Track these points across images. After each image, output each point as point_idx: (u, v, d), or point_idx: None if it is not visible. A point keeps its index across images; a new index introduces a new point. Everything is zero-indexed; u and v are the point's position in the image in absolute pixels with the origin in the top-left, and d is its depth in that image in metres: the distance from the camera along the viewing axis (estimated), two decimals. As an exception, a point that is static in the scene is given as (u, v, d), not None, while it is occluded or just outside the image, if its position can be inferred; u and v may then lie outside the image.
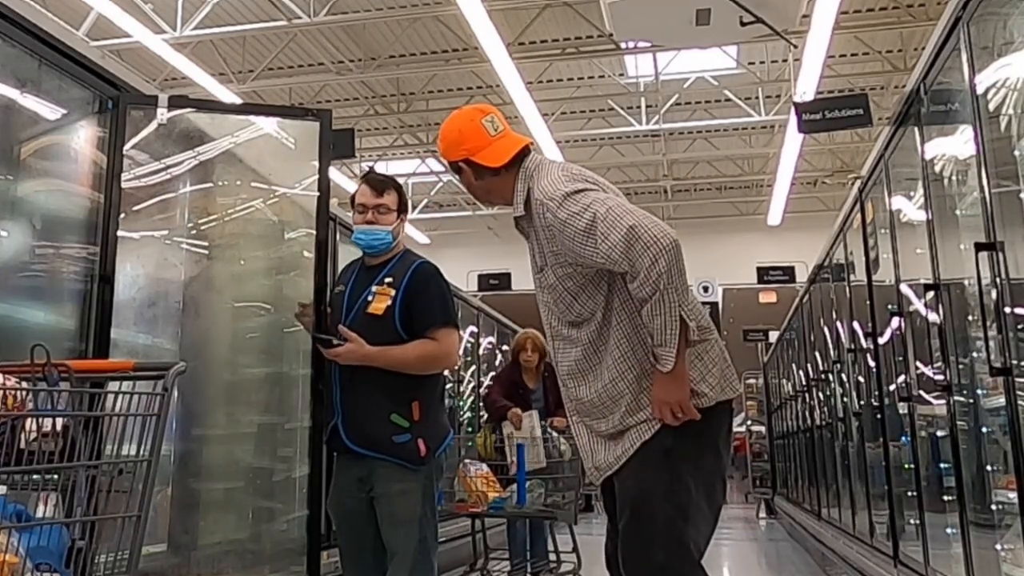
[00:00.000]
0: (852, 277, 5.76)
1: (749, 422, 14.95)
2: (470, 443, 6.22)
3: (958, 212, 3.43)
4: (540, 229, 2.27)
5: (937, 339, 3.57)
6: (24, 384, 1.63)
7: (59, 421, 1.64)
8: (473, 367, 8.84)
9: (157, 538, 3.40)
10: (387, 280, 2.90)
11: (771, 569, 8.12)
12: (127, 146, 3.13)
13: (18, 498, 1.62)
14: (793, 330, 9.69)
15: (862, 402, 5.52)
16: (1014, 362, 2.65)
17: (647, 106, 12.63)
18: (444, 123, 2.44)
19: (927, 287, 3.53)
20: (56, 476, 1.66)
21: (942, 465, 3.82)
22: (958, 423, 3.42)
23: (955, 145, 3.42)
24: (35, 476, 1.64)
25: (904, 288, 4.18)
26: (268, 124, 3.77)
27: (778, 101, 11.81)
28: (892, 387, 4.68)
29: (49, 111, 2.98)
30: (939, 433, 3.88)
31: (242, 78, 11.14)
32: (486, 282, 13.70)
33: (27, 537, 1.53)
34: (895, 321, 4.34)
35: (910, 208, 4.17)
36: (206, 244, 3.84)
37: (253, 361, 3.87)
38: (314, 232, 3.29)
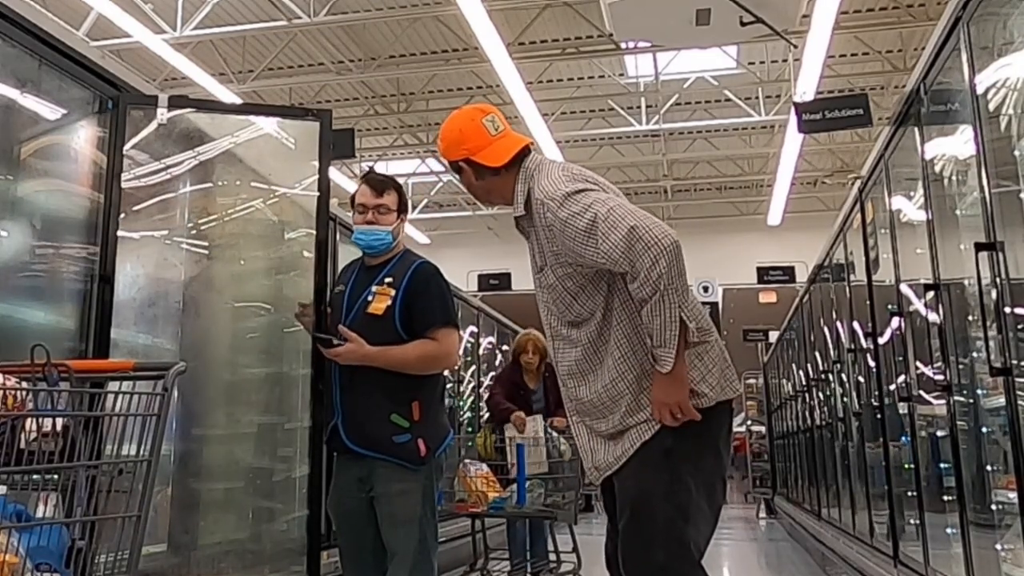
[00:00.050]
0: (852, 277, 5.76)
1: (749, 422, 14.94)
2: (470, 443, 6.22)
3: (958, 212, 3.43)
4: (540, 229, 2.27)
5: (937, 339, 3.57)
6: (24, 384, 1.63)
7: (59, 421, 1.64)
8: (473, 367, 8.84)
9: (157, 538, 3.40)
10: (387, 280, 2.91)
11: (771, 569, 8.12)
12: (127, 146, 3.13)
13: (18, 498, 1.62)
14: (793, 330, 9.69)
15: (862, 402, 5.52)
16: (1014, 362, 2.65)
17: (647, 106, 12.63)
18: (444, 123, 2.44)
19: (927, 287, 3.52)
20: (56, 476, 1.66)
21: (942, 465, 3.82)
22: (958, 423, 3.42)
23: (955, 145, 3.42)
24: (35, 476, 1.64)
25: (904, 288, 4.18)
26: (268, 124, 3.77)
27: (778, 101, 11.81)
28: (892, 387, 4.68)
29: (49, 111, 2.98)
30: (939, 433, 3.88)
31: (242, 78, 11.14)
32: (486, 282, 13.70)
33: (27, 537, 1.53)
34: (895, 321, 4.34)
35: (910, 208, 4.17)
36: (206, 244, 3.84)
37: (253, 361, 3.87)
38: (314, 232, 3.29)
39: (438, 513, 2.90)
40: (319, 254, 3.25)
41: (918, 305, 3.91)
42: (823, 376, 7.29)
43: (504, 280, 13.55)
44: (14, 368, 1.68)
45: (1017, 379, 2.68)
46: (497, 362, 9.54)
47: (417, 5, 9.85)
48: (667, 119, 12.73)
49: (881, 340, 4.78)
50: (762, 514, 12.99)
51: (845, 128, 7.36)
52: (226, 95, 10.16)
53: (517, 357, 5.60)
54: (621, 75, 11.85)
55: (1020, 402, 2.68)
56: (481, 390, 8.73)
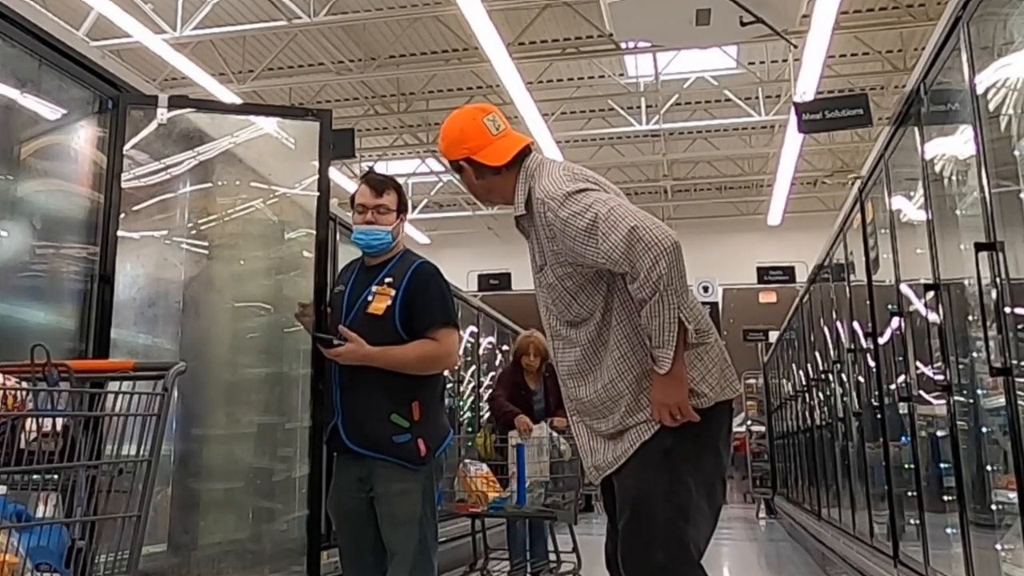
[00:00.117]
0: (852, 277, 5.76)
1: (749, 422, 14.94)
2: (470, 443, 6.22)
3: (958, 212, 3.43)
4: (541, 228, 2.27)
5: (937, 339, 3.57)
6: (24, 384, 1.63)
7: (59, 421, 1.64)
8: (473, 367, 8.84)
9: (157, 538, 3.40)
10: (387, 280, 2.91)
11: (771, 569, 8.12)
12: (127, 146, 3.13)
13: (18, 498, 1.62)
14: (793, 330, 9.69)
15: (862, 402, 5.52)
16: (1014, 362, 2.65)
17: (647, 106, 12.63)
18: (445, 122, 2.44)
19: (927, 287, 3.52)
20: (56, 476, 1.66)
21: (942, 465, 3.82)
22: (958, 423, 3.42)
23: (955, 145, 3.42)
24: (35, 476, 1.64)
25: (904, 288, 4.18)
26: (268, 124, 3.77)
27: (778, 101, 11.81)
28: (892, 387, 4.68)
29: (49, 111, 2.98)
30: (939, 433, 3.88)
31: (242, 78, 11.14)
32: (486, 282, 13.70)
33: (27, 537, 1.53)
34: (895, 321, 4.34)
35: (910, 208, 4.17)
36: (206, 244, 3.83)
37: (253, 361, 3.87)
38: (314, 232, 3.29)
39: (438, 513, 2.90)
40: (319, 254, 3.25)
41: (918, 305, 3.91)
42: (823, 376, 7.29)
43: (504, 280, 13.55)
44: (14, 368, 1.67)
45: (1017, 379, 2.68)
46: (497, 362, 9.54)
47: (417, 5, 9.86)
48: (667, 119, 12.73)
49: (881, 340, 4.78)
50: (762, 514, 12.99)
51: (845, 128, 7.36)
52: (226, 95, 10.16)
53: (518, 358, 5.60)
54: (621, 75, 11.85)
55: (1020, 402, 2.68)
56: (481, 390, 8.73)
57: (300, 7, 9.57)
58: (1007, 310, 2.69)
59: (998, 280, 2.70)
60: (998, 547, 3.13)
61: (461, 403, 8.61)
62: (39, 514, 1.62)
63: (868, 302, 4.96)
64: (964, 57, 2.95)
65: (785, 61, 10.41)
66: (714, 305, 12.98)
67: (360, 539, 2.83)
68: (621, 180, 13.97)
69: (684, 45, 9.75)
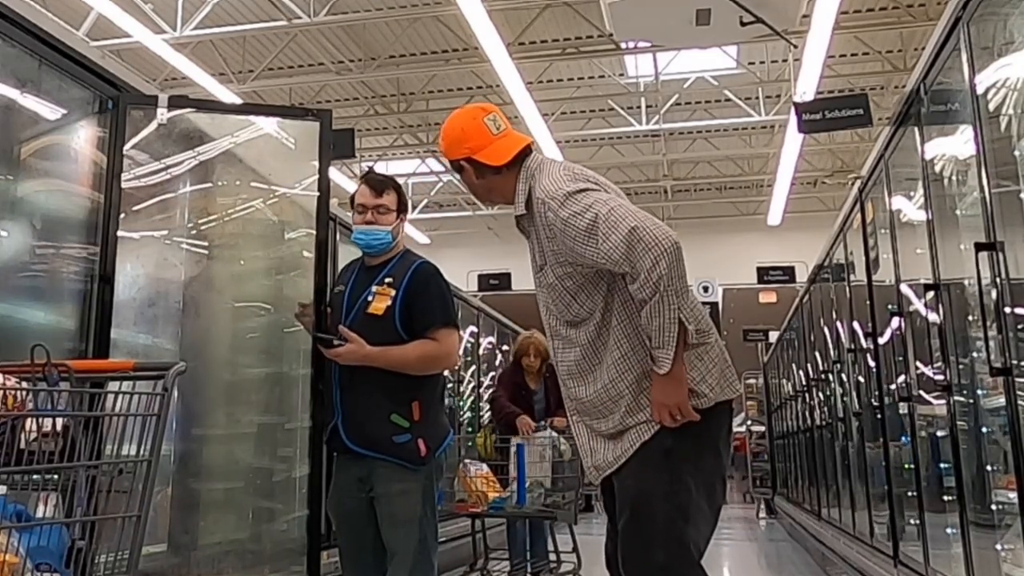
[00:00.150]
0: (852, 277, 5.76)
1: (749, 422, 14.93)
2: (470, 443, 6.22)
3: (958, 212, 3.43)
4: (541, 228, 2.27)
5: (937, 339, 3.57)
6: (24, 384, 1.63)
7: (59, 421, 1.64)
8: (473, 367, 8.84)
9: (157, 538, 3.40)
10: (387, 280, 2.91)
11: (771, 569, 8.12)
12: (127, 146, 3.13)
13: (18, 498, 1.62)
14: (793, 330, 9.69)
15: (862, 402, 5.52)
16: (1014, 362, 2.65)
17: (647, 106, 12.63)
18: (446, 121, 2.44)
19: (927, 287, 3.52)
20: (56, 476, 1.66)
21: (942, 465, 3.82)
22: (958, 423, 3.42)
23: (955, 145, 3.42)
24: (35, 476, 1.64)
25: (904, 288, 4.18)
26: (268, 124, 3.77)
27: (778, 101, 11.81)
28: (892, 387, 4.68)
29: (49, 111, 2.97)
30: (939, 433, 3.87)
31: (242, 78, 11.14)
32: (486, 282, 13.70)
33: (27, 537, 1.53)
34: (895, 321, 4.34)
35: (910, 208, 4.17)
36: (206, 244, 3.83)
37: (253, 361, 3.87)
38: (314, 232, 3.29)
39: (438, 513, 2.90)
40: (319, 254, 3.25)
41: (918, 305, 3.91)
42: (823, 376, 7.29)
43: (504, 280, 13.55)
44: (14, 368, 1.68)
45: (1017, 379, 2.68)
46: (497, 362, 9.54)
47: (417, 5, 9.85)
48: (667, 119, 12.73)
49: (881, 340, 4.78)
50: (762, 514, 12.99)
51: (845, 128, 7.35)
52: (226, 95, 10.16)
53: (519, 359, 5.60)
54: (621, 75, 11.85)
55: (1020, 402, 2.68)
56: (481, 390, 8.73)
57: (300, 7, 9.57)
58: (1007, 310, 2.69)
59: (998, 280, 2.70)
60: (998, 547, 3.13)
61: (461, 403, 8.61)
62: (39, 514, 1.62)
63: (868, 302, 4.96)
64: (964, 57, 2.95)
65: (785, 61, 10.41)
66: (714, 305, 12.99)
67: (360, 539, 2.83)
68: (621, 180, 13.97)
69: (684, 45, 9.75)
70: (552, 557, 5.33)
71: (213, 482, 3.71)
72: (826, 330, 6.99)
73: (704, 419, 2.16)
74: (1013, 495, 2.79)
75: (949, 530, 3.62)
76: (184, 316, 3.70)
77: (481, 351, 9.11)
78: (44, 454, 1.61)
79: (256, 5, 9.79)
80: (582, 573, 5.00)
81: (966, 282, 3.25)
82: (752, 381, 14.74)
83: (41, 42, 2.76)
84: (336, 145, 5.08)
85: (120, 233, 3.05)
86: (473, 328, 8.69)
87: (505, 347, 9.51)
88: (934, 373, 3.71)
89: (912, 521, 4.29)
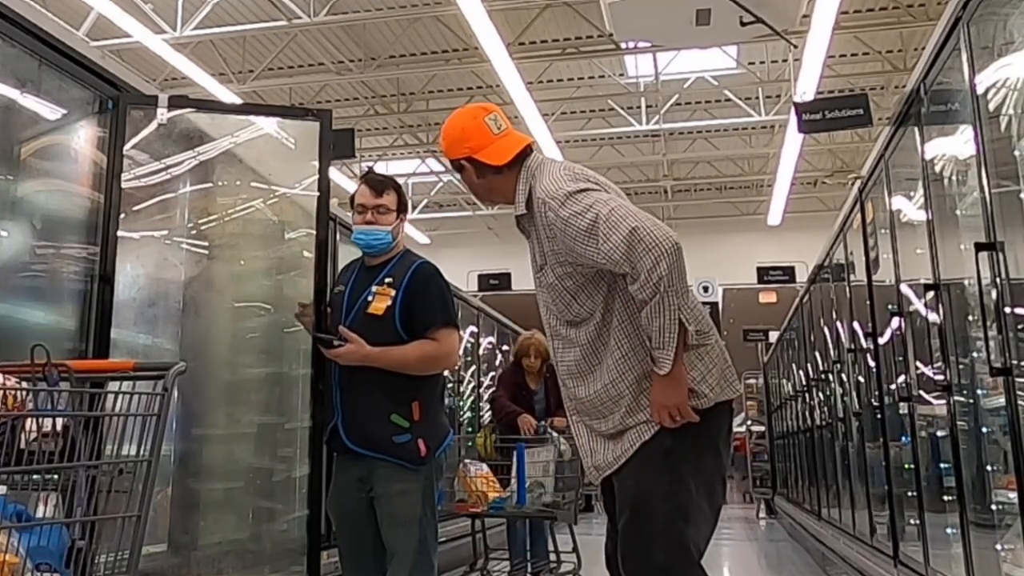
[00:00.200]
0: (852, 277, 5.76)
1: (749, 422, 14.94)
2: (470, 443, 6.22)
3: (958, 212, 3.43)
4: (541, 228, 2.27)
5: (937, 339, 3.57)
6: (24, 384, 1.63)
7: (59, 421, 1.64)
8: (473, 367, 8.84)
9: (157, 538, 3.40)
10: (387, 280, 2.91)
11: (771, 569, 8.12)
12: (127, 146, 3.13)
13: (18, 498, 1.62)
14: (793, 330, 9.69)
15: (862, 402, 5.52)
16: (1014, 362, 2.65)
17: (647, 106, 12.63)
18: (447, 121, 2.44)
19: (927, 287, 3.52)
20: (56, 476, 1.66)
21: (942, 465, 3.82)
22: (958, 423, 3.42)
23: (955, 145, 3.42)
24: (35, 476, 1.64)
25: (904, 288, 4.18)
26: (268, 124, 3.77)
27: (778, 101, 11.81)
28: (892, 387, 4.68)
29: (49, 111, 2.97)
30: (939, 433, 3.87)
31: (242, 78, 11.14)
32: (486, 282, 13.70)
33: (27, 537, 1.53)
34: (895, 321, 4.34)
35: (910, 208, 4.17)
36: (206, 244, 3.83)
37: (253, 361, 3.87)
38: (314, 232, 3.29)
39: (438, 513, 2.90)
40: (319, 254, 3.25)
41: (918, 305, 3.91)
42: (823, 376, 7.29)
43: (504, 280, 13.55)
44: (14, 368, 1.68)
45: (1017, 379, 2.68)
46: (497, 362, 9.55)
47: (417, 5, 9.85)
48: (667, 119, 12.73)
49: (881, 340, 4.78)
50: (762, 514, 12.99)
51: (845, 128, 7.35)
52: (226, 95, 10.16)
53: (519, 359, 5.60)
54: (621, 75, 11.85)
55: (1020, 402, 2.67)
56: (481, 390, 8.73)
57: (300, 7, 9.57)
58: (1007, 310, 2.69)
59: (998, 280, 2.70)
60: (998, 547, 3.13)
61: (461, 403, 8.61)
62: (39, 514, 1.62)
63: (868, 302, 4.96)
64: (964, 57, 2.95)
65: (785, 61, 10.41)
66: (714, 305, 12.99)
67: (360, 539, 2.83)
68: (621, 180, 13.97)
69: (684, 45, 9.75)
70: (552, 557, 5.32)
71: (213, 482, 3.71)
72: (826, 330, 6.99)
73: (704, 419, 2.16)
74: (1013, 495, 2.79)
75: (949, 530, 3.62)
76: (184, 316, 3.70)
77: (481, 351, 9.11)
78: (44, 454, 1.61)
79: (256, 5, 9.79)
80: (582, 573, 5.00)
81: (966, 282, 3.25)
82: (752, 381, 14.75)
83: (41, 42, 2.76)
84: (336, 145, 5.08)
85: (120, 233, 3.05)
86: (473, 328, 8.69)
87: (505, 347, 9.51)
88: (934, 373, 3.71)
89: (912, 521, 4.29)
